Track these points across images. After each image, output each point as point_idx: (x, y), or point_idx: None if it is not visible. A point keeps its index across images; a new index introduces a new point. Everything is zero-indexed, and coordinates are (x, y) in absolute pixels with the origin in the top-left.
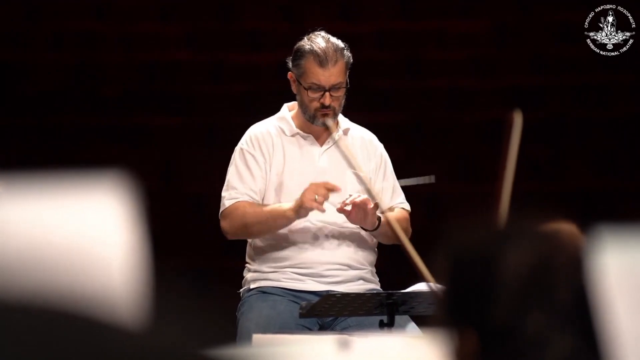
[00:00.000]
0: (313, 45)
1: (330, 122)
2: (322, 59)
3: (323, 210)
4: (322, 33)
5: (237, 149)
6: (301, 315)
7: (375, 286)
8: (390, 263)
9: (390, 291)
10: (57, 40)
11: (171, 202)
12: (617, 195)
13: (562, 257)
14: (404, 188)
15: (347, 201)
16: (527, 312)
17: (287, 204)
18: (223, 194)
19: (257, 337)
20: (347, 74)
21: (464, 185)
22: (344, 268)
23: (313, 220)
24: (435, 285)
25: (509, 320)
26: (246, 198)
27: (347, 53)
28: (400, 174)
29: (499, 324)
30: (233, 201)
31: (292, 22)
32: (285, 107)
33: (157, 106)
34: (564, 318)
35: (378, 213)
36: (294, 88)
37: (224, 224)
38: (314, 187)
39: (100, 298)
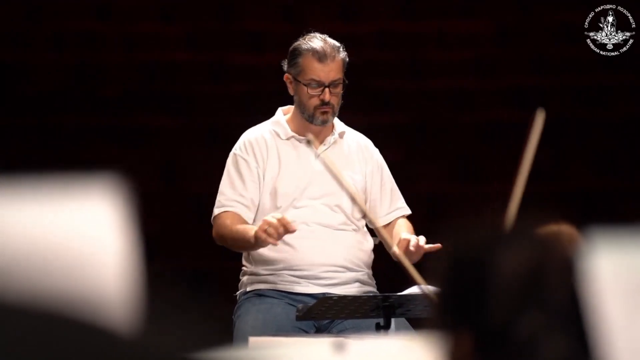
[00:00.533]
0: (310, 43)
1: (327, 118)
2: (321, 54)
3: (275, 244)
4: (317, 34)
5: (230, 154)
6: (298, 318)
7: (372, 289)
8: (387, 266)
9: (386, 294)
10: (57, 40)
11: (171, 203)
12: (617, 195)
13: (558, 259)
14: (402, 190)
15: (412, 246)
16: (523, 313)
17: (255, 227)
18: (217, 198)
19: (253, 339)
20: (344, 72)
21: (465, 185)
22: (340, 270)
23: (309, 222)
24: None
25: (504, 322)
26: (233, 205)
27: (344, 51)
28: (400, 174)
29: (494, 325)
30: (221, 210)
31: (293, 23)
32: (280, 111)
33: (158, 106)
34: (559, 319)
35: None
36: (290, 89)
37: (213, 231)
38: (266, 222)
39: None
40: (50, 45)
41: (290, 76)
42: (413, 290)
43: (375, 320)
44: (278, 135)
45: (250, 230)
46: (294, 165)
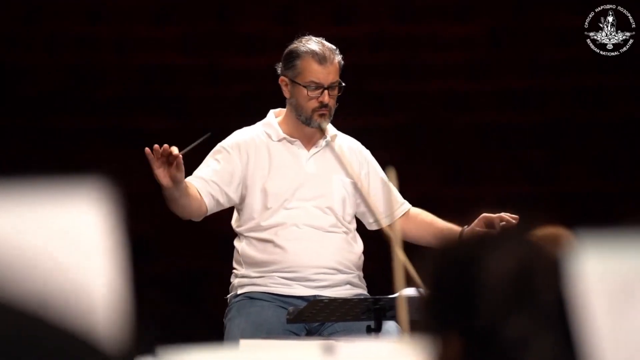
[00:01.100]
0: (308, 46)
1: (324, 121)
2: (320, 57)
3: (167, 183)
4: (312, 37)
5: (216, 145)
6: (288, 321)
7: (363, 291)
8: (378, 268)
9: (377, 296)
10: (52, 42)
11: (164, 206)
12: (614, 197)
13: (545, 261)
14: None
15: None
16: (510, 315)
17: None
18: None
19: (243, 342)
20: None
21: (459, 187)
22: (331, 272)
23: (300, 224)
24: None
25: (492, 324)
26: (195, 180)
27: (340, 54)
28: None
29: (482, 327)
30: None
31: (287, 25)
32: (272, 113)
33: (153, 109)
34: (546, 321)
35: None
36: (286, 92)
37: None
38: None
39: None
40: (45, 47)
41: (286, 78)
42: (404, 293)
43: (366, 323)
44: (270, 136)
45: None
46: (285, 166)
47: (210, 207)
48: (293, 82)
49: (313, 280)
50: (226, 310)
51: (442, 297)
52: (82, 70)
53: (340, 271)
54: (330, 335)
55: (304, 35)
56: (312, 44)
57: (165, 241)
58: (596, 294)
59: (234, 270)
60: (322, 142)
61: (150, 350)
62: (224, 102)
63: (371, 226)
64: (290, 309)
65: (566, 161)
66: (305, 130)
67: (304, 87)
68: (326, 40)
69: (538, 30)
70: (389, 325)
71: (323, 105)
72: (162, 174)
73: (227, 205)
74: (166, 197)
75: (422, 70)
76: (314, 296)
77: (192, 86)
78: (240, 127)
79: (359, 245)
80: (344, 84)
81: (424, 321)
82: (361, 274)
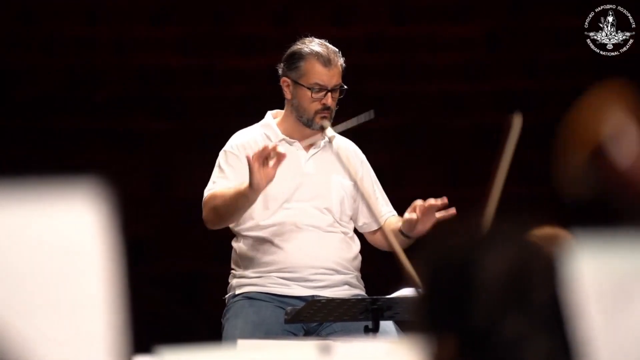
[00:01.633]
0: (312, 47)
1: (326, 123)
2: (325, 59)
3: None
4: (315, 38)
5: (220, 152)
6: (286, 321)
7: (361, 292)
8: (376, 268)
9: (375, 297)
10: (50, 44)
11: (163, 207)
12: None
13: (541, 261)
14: (392, 194)
15: (417, 211)
16: (506, 316)
17: (246, 182)
18: (205, 189)
19: (241, 342)
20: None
21: (457, 190)
22: (329, 272)
23: (298, 223)
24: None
25: (487, 324)
26: (221, 187)
27: (342, 57)
28: (390, 178)
29: (477, 328)
30: (209, 192)
31: (284, 27)
32: (269, 114)
33: (150, 110)
34: (542, 322)
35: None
36: (287, 93)
37: (203, 214)
38: (257, 156)
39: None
40: (42, 49)
41: (288, 80)
42: (401, 293)
43: (364, 323)
44: (269, 137)
45: (242, 184)
46: (284, 167)
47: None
48: (296, 83)
49: (311, 281)
50: (224, 311)
51: (437, 298)
52: (78, 71)
53: (338, 272)
54: (328, 335)
55: (306, 36)
56: (316, 45)
57: (164, 242)
58: (592, 295)
59: (232, 271)
60: (321, 143)
61: (147, 349)
62: (223, 102)
63: (361, 228)
64: (288, 309)
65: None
66: (305, 131)
67: (308, 88)
68: (324, 40)
69: (537, 30)
70: (387, 325)
71: (325, 108)
72: (260, 176)
73: None
74: (239, 206)
75: (421, 71)
76: (312, 296)
77: (191, 87)
78: (238, 127)
79: (356, 246)
80: (345, 87)
81: (420, 321)
82: (359, 274)
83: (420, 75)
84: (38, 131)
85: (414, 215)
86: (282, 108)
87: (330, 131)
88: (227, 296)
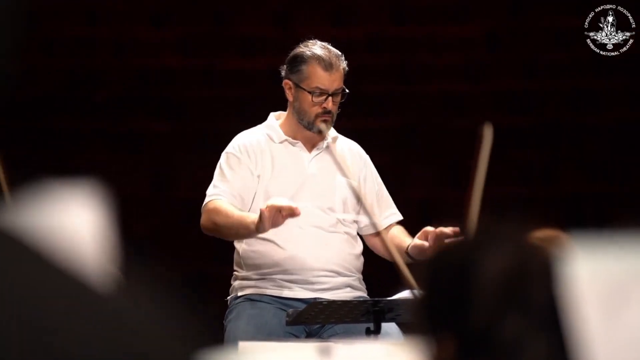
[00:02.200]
0: (314, 51)
1: (324, 127)
2: (326, 63)
3: (272, 225)
4: (317, 41)
5: (223, 153)
6: (287, 323)
7: (363, 294)
8: (377, 270)
9: (376, 298)
10: (49, 45)
11: (163, 208)
12: (609, 200)
13: (539, 263)
14: (393, 195)
15: (429, 239)
16: (504, 317)
17: (254, 215)
18: (208, 190)
19: (242, 344)
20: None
21: (457, 191)
22: (331, 275)
23: (302, 224)
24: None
25: (486, 326)
26: (226, 196)
27: (344, 61)
28: (391, 179)
29: (476, 329)
30: (212, 198)
31: (284, 28)
32: (272, 116)
33: (150, 111)
34: (540, 323)
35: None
36: (289, 95)
37: (201, 219)
38: (272, 209)
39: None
40: (43, 50)
41: (290, 82)
42: (403, 294)
43: (365, 325)
44: (271, 138)
45: (250, 216)
46: (287, 168)
47: None
48: (297, 86)
49: (313, 283)
50: (226, 312)
51: (436, 299)
52: (78, 72)
53: (340, 274)
54: (330, 337)
55: (310, 39)
56: (318, 49)
57: (165, 243)
58: (590, 296)
59: (234, 272)
60: (323, 144)
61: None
62: (223, 104)
63: (361, 230)
64: (290, 311)
65: (565, 163)
66: (306, 133)
67: (309, 92)
68: (322, 42)
69: (537, 31)
70: (389, 327)
71: (326, 112)
72: (269, 225)
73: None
74: (239, 234)
75: (421, 71)
76: (315, 299)
77: (191, 88)
78: (238, 128)
79: (359, 246)
80: (347, 91)
81: (419, 323)
82: (361, 276)
83: (420, 76)
84: (38, 131)
85: (425, 243)
86: (282, 109)
87: (332, 132)
88: (229, 297)
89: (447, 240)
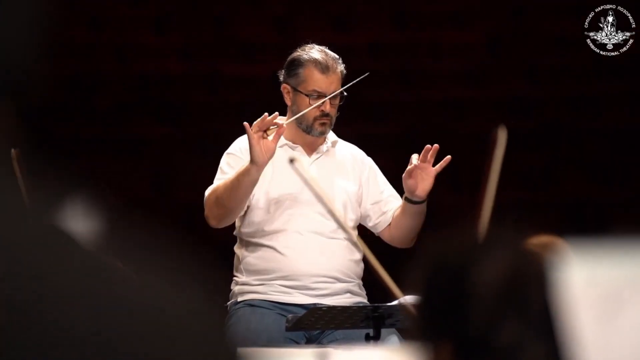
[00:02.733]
0: (311, 54)
1: (325, 133)
2: (323, 66)
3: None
4: (315, 45)
5: (224, 154)
6: (287, 329)
7: (362, 299)
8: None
9: (376, 304)
10: (51, 51)
11: (165, 213)
12: (610, 205)
13: (535, 268)
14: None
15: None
16: (502, 322)
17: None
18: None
19: (241, 350)
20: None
21: (459, 196)
22: (331, 281)
23: (302, 230)
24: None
25: (483, 331)
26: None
27: (342, 64)
28: (393, 185)
29: (474, 334)
30: (209, 189)
31: (286, 34)
32: None
33: (152, 116)
34: (537, 328)
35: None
36: (288, 100)
37: (205, 212)
38: (254, 127)
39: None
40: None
41: (288, 86)
42: (403, 300)
43: (365, 331)
44: None
45: (242, 166)
46: (287, 171)
47: (244, 210)
48: (295, 90)
49: (313, 289)
50: (226, 318)
51: (433, 305)
52: (80, 78)
53: (340, 280)
54: (330, 343)
55: (307, 43)
56: (315, 52)
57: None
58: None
59: (234, 278)
60: (323, 148)
61: None
62: (224, 109)
63: (374, 229)
64: (289, 316)
65: (565, 167)
66: (306, 137)
67: (306, 95)
68: (325, 47)
69: (539, 35)
70: (389, 333)
71: (324, 115)
72: (260, 149)
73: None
74: (242, 186)
75: (423, 77)
76: (314, 304)
77: (192, 93)
78: (237, 133)
79: (359, 253)
80: (345, 93)
81: (416, 329)
82: (361, 282)
83: (422, 81)
84: (39, 138)
85: (410, 181)
86: (283, 114)
87: (332, 136)
88: (229, 303)
89: (434, 168)
